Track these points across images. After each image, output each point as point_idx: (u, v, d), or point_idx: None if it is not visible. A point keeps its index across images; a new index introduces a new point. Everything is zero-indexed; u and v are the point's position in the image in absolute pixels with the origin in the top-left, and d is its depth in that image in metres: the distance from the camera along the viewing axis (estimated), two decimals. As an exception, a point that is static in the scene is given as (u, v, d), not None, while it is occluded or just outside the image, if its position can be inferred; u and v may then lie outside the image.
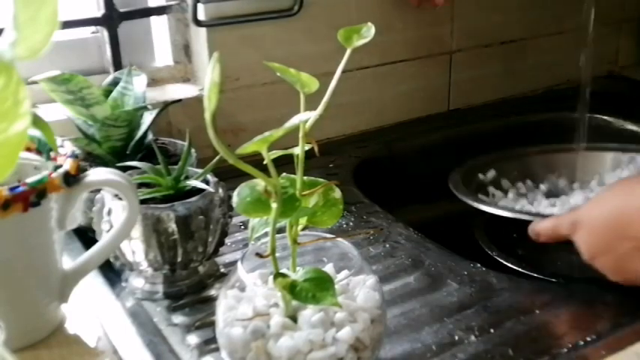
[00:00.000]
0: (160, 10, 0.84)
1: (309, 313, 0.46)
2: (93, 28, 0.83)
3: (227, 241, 0.69)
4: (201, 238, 0.59)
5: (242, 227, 0.73)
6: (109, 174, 0.53)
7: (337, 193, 0.52)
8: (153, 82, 0.87)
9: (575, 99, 1.11)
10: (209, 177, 0.63)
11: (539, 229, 0.66)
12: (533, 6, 1.08)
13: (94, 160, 0.69)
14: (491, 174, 0.88)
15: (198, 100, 0.85)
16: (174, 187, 0.61)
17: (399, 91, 1.00)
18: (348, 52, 0.50)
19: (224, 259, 0.67)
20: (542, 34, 1.10)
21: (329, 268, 0.51)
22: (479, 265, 0.65)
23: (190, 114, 0.84)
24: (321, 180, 0.52)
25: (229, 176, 0.59)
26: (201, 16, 0.81)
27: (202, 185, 0.60)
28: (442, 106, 1.06)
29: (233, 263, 0.66)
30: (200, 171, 0.63)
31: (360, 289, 0.48)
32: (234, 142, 0.88)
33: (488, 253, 0.75)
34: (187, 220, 0.58)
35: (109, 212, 0.58)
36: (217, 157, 0.63)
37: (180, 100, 0.78)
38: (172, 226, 0.58)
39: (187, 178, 0.63)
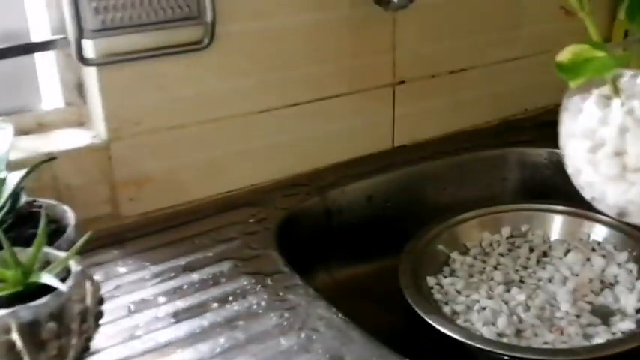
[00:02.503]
0: (43, 46, 0.71)
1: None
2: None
3: (110, 331, 0.58)
4: (57, 347, 0.47)
5: (130, 310, 0.61)
6: None
7: None
8: (39, 128, 0.75)
9: (534, 130, 1.01)
10: (72, 265, 0.50)
11: None
12: (484, 30, 0.97)
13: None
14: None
15: (91, 150, 0.72)
16: (23, 283, 0.48)
17: (335, 130, 0.88)
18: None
19: (102, 357, 0.55)
20: (496, 60, 0.99)
21: None
22: (410, 361, 0.54)
23: (81, 166, 0.71)
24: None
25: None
26: (89, 54, 0.69)
27: (55, 282, 0.47)
28: (386, 144, 0.94)
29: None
30: (64, 254, 0.51)
31: None
32: (137, 196, 0.75)
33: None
34: (34, 329, 0.46)
35: None
36: (85, 236, 0.51)
37: (55, 158, 0.65)
38: (14, 337, 0.45)
39: (48, 263, 0.51)
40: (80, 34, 0.67)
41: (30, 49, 0.72)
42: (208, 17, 0.72)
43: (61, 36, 0.71)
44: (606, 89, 0.44)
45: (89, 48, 0.69)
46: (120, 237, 0.72)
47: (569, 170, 0.50)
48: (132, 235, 0.72)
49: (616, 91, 0.41)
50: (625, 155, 0.41)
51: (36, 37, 0.72)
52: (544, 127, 1.02)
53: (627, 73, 0.44)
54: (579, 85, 0.42)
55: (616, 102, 0.42)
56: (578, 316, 0.69)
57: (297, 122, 0.85)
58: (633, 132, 0.40)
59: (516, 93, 1.04)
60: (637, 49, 0.46)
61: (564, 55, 0.41)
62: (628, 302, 0.70)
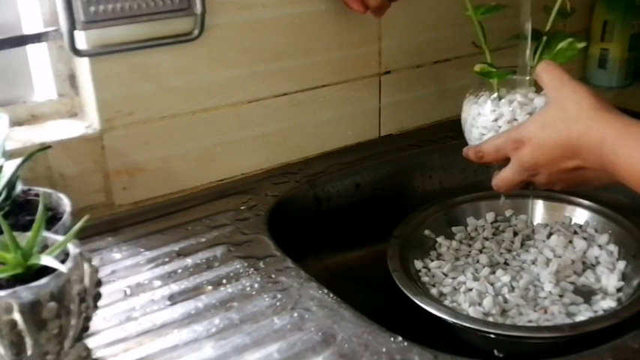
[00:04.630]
0: (35, 38, 0.72)
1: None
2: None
3: (108, 313, 0.59)
4: (58, 327, 0.49)
5: (126, 294, 0.62)
6: None
7: (581, 44, 0.68)
8: (32, 119, 0.76)
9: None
10: (70, 247, 0.51)
11: (484, 150, 0.67)
12: (468, 21, 0.98)
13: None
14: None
15: (84, 140, 0.73)
16: (22, 265, 0.49)
17: (323, 119, 0.90)
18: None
19: (101, 338, 0.57)
20: (479, 50, 1.01)
21: None
22: (400, 338, 0.55)
23: (74, 156, 0.73)
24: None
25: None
26: (81, 45, 0.70)
27: (54, 263, 0.48)
28: (373, 133, 0.96)
29: (114, 343, 0.56)
30: (62, 238, 0.52)
31: None
32: (130, 185, 0.77)
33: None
34: (35, 309, 0.47)
35: None
36: (83, 219, 0.52)
37: (49, 147, 0.66)
38: (16, 317, 0.47)
39: (46, 247, 0.52)
40: (72, 25, 0.68)
41: (22, 41, 0.73)
42: (198, 9, 0.74)
43: (53, 28, 0.72)
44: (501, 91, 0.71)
45: (81, 39, 0.70)
46: (114, 225, 0.73)
47: (474, 136, 0.71)
48: (126, 223, 0.74)
49: (501, 89, 0.71)
50: (514, 122, 0.68)
51: (28, 29, 0.73)
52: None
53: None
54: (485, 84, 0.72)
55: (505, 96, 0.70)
56: (561, 296, 0.71)
57: (286, 112, 0.86)
58: (518, 109, 0.68)
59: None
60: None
61: (477, 67, 0.71)
62: (609, 282, 0.73)
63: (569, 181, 0.64)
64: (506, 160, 0.66)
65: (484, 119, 0.70)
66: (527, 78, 0.70)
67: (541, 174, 0.64)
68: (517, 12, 0.70)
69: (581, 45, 0.68)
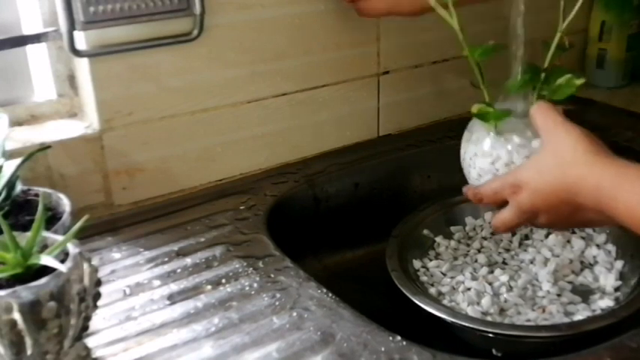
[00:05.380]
0: (35, 38, 0.72)
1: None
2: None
3: (107, 313, 0.59)
4: (57, 326, 0.49)
5: (126, 293, 0.62)
6: None
7: (579, 81, 0.66)
8: (32, 120, 0.76)
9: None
10: (70, 247, 0.52)
11: (482, 193, 0.66)
12: (467, 21, 0.99)
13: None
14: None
15: (84, 140, 0.74)
16: (22, 265, 0.50)
17: (322, 119, 0.90)
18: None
19: (100, 337, 0.57)
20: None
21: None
22: (399, 337, 0.56)
23: (74, 156, 0.73)
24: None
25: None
26: (80, 45, 0.70)
27: (54, 263, 0.49)
28: (371, 132, 0.96)
29: (114, 342, 0.56)
30: (61, 238, 0.52)
31: None
32: (130, 185, 0.77)
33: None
34: (35, 308, 0.47)
35: None
36: (82, 219, 0.53)
37: (49, 147, 0.66)
38: (16, 316, 0.47)
39: (46, 247, 0.52)
40: (72, 25, 0.69)
41: (22, 41, 0.73)
42: (197, 9, 0.74)
43: (53, 28, 0.72)
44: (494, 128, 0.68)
45: (81, 40, 0.70)
46: (113, 225, 0.74)
47: (473, 176, 0.71)
48: (125, 223, 0.74)
49: (500, 130, 0.68)
50: (512, 164, 0.67)
51: (28, 30, 0.74)
52: (525, 116, 1.04)
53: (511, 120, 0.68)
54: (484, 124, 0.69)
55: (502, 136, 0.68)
56: (559, 295, 0.71)
57: (286, 112, 0.86)
58: (515, 152, 0.67)
59: (497, 82, 1.06)
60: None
61: (474, 108, 0.70)
62: (607, 281, 0.73)
63: (570, 222, 0.63)
64: (505, 203, 0.65)
65: (482, 161, 0.68)
66: (524, 120, 0.67)
67: (540, 217, 0.63)
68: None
69: (580, 82, 0.66)
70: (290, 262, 0.67)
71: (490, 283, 0.73)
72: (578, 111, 1.07)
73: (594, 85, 1.15)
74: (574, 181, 0.59)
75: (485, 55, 0.71)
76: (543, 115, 0.63)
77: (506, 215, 0.65)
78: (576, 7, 0.67)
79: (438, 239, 0.81)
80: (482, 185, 0.67)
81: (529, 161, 0.64)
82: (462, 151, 0.72)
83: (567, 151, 0.60)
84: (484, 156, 0.68)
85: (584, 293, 0.72)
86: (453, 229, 0.83)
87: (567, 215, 0.61)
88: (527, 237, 0.82)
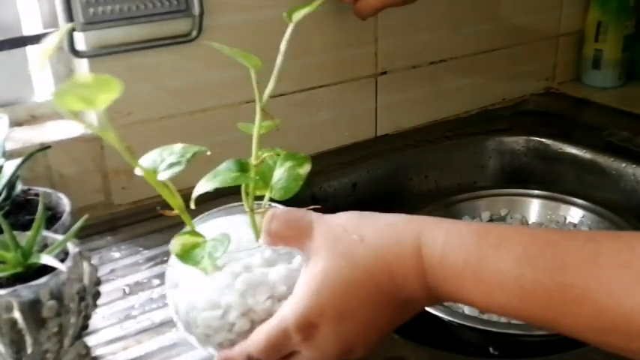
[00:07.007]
0: (35, 39, 0.73)
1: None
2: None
3: (107, 312, 0.60)
4: (57, 325, 0.49)
5: (125, 292, 0.63)
6: None
7: (304, 169, 0.52)
8: (32, 120, 0.77)
9: (512, 119, 1.04)
10: (70, 246, 0.52)
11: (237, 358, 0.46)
12: (463, 23, 1.00)
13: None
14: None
15: (83, 140, 0.74)
16: (22, 264, 0.50)
17: (320, 119, 0.91)
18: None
19: (100, 336, 0.57)
20: (474, 52, 1.02)
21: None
22: (397, 336, 0.56)
23: (74, 156, 0.73)
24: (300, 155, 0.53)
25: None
26: (80, 46, 0.71)
27: (54, 262, 0.49)
28: (369, 133, 0.97)
29: (113, 341, 0.56)
30: (61, 237, 0.53)
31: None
32: (129, 185, 0.77)
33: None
34: (35, 307, 0.48)
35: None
36: (82, 219, 0.53)
37: (49, 147, 0.67)
38: (16, 315, 0.47)
39: (46, 246, 0.53)
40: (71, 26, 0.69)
41: (22, 42, 0.73)
42: (196, 10, 0.74)
43: (53, 29, 0.72)
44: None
45: (80, 40, 0.71)
46: (113, 224, 0.74)
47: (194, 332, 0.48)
48: (125, 222, 0.74)
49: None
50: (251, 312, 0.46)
51: (28, 30, 0.74)
52: (521, 116, 1.05)
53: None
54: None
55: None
56: (555, 294, 0.72)
57: (284, 112, 0.87)
58: (251, 294, 0.46)
59: (495, 83, 1.07)
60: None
61: (176, 248, 0.49)
62: (603, 280, 0.73)
63: (398, 320, 0.46)
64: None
65: (208, 315, 0.46)
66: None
67: (358, 344, 0.45)
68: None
69: (305, 170, 0.53)
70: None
71: (487, 282, 0.74)
72: (574, 111, 1.08)
73: (590, 86, 1.16)
74: (380, 269, 0.44)
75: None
76: (286, 225, 0.49)
77: None
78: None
79: None
80: (239, 347, 0.46)
81: (304, 287, 0.45)
82: (169, 290, 0.50)
83: (344, 248, 0.46)
84: (209, 308, 0.46)
85: (581, 292, 0.73)
86: (450, 228, 0.84)
87: (389, 314, 0.45)
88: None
